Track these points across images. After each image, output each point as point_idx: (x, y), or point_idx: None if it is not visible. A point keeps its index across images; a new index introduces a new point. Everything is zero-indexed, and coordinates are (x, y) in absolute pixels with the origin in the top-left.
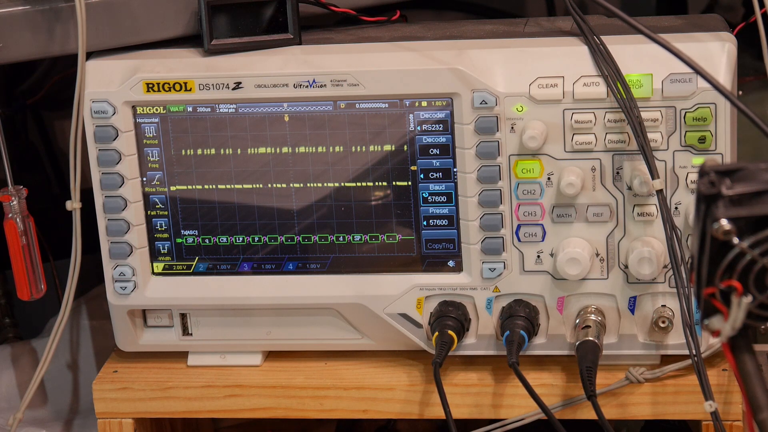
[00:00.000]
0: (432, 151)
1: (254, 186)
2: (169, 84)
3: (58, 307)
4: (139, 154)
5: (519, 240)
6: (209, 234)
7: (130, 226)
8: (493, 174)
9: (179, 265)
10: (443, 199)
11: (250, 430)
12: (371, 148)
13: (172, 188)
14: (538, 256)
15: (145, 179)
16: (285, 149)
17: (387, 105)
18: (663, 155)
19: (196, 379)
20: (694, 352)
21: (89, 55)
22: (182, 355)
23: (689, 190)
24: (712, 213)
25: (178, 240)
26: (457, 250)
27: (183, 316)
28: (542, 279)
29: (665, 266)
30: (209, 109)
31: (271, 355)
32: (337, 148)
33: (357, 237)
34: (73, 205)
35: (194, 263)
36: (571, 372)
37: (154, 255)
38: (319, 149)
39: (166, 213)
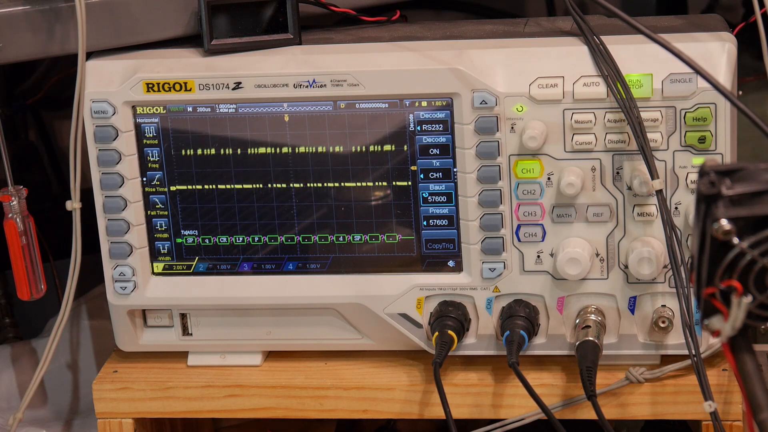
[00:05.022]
0: (432, 151)
1: (254, 186)
2: (169, 84)
3: (58, 307)
4: (139, 154)
5: (519, 240)
6: (209, 234)
7: (130, 226)
8: (493, 174)
9: (179, 265)
10: (443, 199)
11: (250, 430)
12: (371, 148)
13: (172, 188)
14: (538, 256)
15: (145, 179)
16: (285, 149)
17: (387, 105)
18: (663, 155)
19: (196, 379)
20: (693, 352)
21: (89, 55)
22: (182, 355)
23: (689, 190)
24: (712, 213)
25: (178, 240)
26: (457, 250)
27: (183, 316)
28: (542, 279)
29: (665, 266)
30: (209, 109)
31: (271, 355)
32: (337, 148)
33: (357, 237)
34: (73, 205)
35: (194, 263)
36: (571, 372)
37: (154, 255)
38: (319, 149)
39: (166, 213)
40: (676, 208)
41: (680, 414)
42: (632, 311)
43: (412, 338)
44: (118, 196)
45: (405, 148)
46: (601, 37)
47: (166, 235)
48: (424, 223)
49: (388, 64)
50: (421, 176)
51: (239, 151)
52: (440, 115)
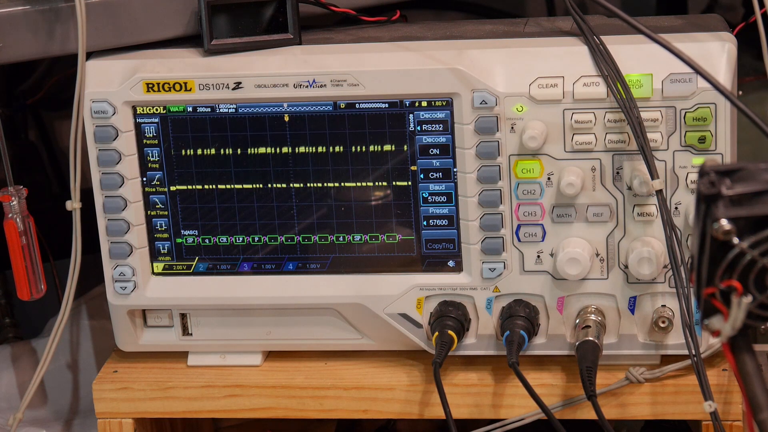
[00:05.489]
0: (432, 151)
1: (254, 186)
2: (169, 84)
3: (58, 307)
4: (139, 154)
5: (519, 240)
6: (209, 234)
7: (130, 226)
8: (493, 174)
9: (179, 265)
10: (443, 199)
11: (250, 430)
12: (371, 148)
13: (172, 188)
14: (538, 256)
15: (145, 179)
16: (285, 149)
17: (387, 105)
18: (663, 155)
19: (196, 379)
20: (693, 352)
21: (89, 55)
22: (182, 355)
23: (689, 190)
24: (712, 213)
25: (178, 240)
26: (457, 250)
27: (183, 316)
28: (542, 279)
29: (665, 266)
30: (209, 109)
31: (271, 355)
32: (337, 148)
33: (357, 237)
34: (73, 205)
35: (194, 263)
36: (571, 372)
37: (154, 255)
38: (319, 149)
39: (166, 213)
40: (676, 208)
41: (680, 414)
42: (632, 311)
43: (412, 338)
44: (118, 196)
45: (405, 148)
46: (601, 37)
47: (166, 235)
48: (424, 223)
49: (388, 64)
50: (421, 176)
51: (239, 151)
52: (440, 115)
